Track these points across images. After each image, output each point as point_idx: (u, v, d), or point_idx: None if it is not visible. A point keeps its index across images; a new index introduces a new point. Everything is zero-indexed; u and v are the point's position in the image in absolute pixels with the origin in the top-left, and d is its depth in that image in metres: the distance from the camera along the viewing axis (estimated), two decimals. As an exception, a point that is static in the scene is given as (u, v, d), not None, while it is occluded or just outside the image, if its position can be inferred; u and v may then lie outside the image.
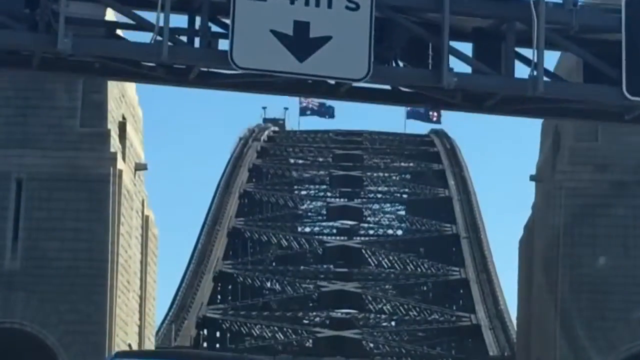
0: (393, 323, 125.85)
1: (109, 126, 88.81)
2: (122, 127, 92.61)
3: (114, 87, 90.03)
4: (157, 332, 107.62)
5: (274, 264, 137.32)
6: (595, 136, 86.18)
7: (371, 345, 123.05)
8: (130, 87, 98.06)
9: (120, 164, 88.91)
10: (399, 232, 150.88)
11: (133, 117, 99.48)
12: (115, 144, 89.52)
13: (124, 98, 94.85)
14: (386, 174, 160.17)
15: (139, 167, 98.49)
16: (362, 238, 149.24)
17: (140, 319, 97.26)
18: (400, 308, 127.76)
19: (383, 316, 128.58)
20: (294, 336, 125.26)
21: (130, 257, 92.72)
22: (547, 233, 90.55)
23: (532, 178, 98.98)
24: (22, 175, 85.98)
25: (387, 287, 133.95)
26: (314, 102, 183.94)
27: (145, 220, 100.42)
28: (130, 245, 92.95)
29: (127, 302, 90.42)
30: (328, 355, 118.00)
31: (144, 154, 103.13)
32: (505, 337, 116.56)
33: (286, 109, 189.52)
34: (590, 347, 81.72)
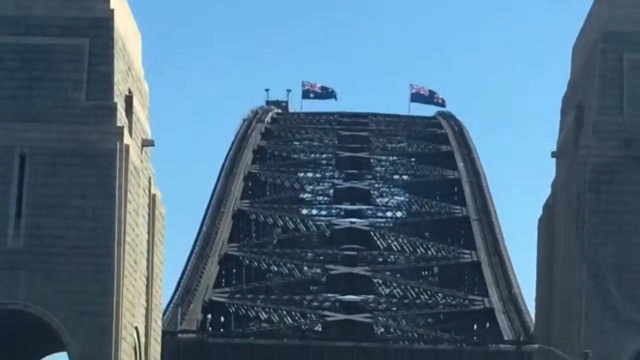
0: (404, 307, 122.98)
1: (116, 99, 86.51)
2: (128, 101, 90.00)
3: (120, 60, 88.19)
4: (163, 315, 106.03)
5: (280, 246, 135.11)
6: (620, 110, 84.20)
7: (382, 329, 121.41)
8: (137, 61, 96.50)
9: (127, 139, 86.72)
10: (408, 215, 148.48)
11: (139, 92, 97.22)
12: (121, 118, 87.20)
13: (130, 71, 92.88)
14: (394, 156, 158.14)
15: (146, 143, 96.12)
16: (371, 220, 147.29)
17: (147, 301, 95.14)
18: (411, 291, 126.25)
19: (394, 300, 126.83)
20: (302, 320, 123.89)
21: (137, 236, 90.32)
22: (570, 210, 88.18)
23: (553, 155, 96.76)
24: (25, 150, 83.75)
25: (397, 270, 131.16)
26: (317, 85, 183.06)
27: (152, 199, 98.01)
28: (137, 224, 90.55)
29: (134, 282, 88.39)
30: (338, 340, 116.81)
31: (150, 131, 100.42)
32: (520, 321, 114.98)
33: (289, 91, 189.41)
34: (613, 332, 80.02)
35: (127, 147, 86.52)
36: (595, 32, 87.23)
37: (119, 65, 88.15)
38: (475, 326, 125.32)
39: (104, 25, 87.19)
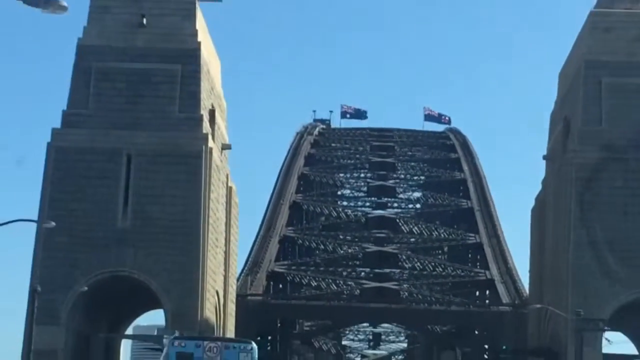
0: (423, 277, 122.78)
1: (202, 112, 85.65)
2: (211, 114, 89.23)
3: (205, 82, 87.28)
4: (236, 282, 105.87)
5: (325, 230, 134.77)
6: (600, 122, 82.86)
7: (406, 294, 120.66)
8: (217, 82, 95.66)
9: (210, 143, 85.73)
10: (425, 206, 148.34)
11: (220, 107, 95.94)
12: (206, 127, 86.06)
13: (213, 91, 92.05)
14: (413, 162, 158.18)
15: (225, 147, 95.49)
16: (396, 210, 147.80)
17: (225, 270, 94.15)
18: (428, 265, 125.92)
19: (415, 272, 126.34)
20: (344, 286, 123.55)
21: (217, 219, 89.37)
22: (559, 202, 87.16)
23: (544, 157, 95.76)
24: (131, 152, 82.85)
25: (417, 249, 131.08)
26: (352, 107, 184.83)
27: (229, 191, 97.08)
28: (218, 209, 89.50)
29: (215, 255, 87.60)
30: (373, 302, 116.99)
31: (227, 137, 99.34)
32: (515, 289, 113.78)
33: (331, 112, 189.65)
34: (596, 295, 78.47)
35: (211, 149, 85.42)
36: (579, 60, 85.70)
37: (204, 85, 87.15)
38: (477, 293, 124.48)
39: (193, 55, 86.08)
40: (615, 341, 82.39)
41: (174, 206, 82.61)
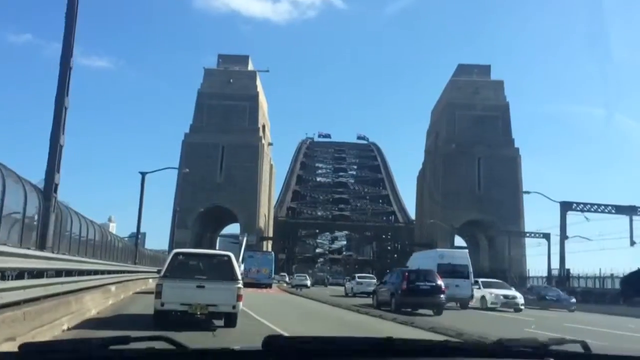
0: (361, 210, 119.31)
1: (259, 126, 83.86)
2: (263, 128, 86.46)
3: (260, 111, 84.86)
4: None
5: (313, 189, 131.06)
6: (454, 133, 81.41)
7: (353, 218, 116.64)
8: (266, 112, 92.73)
9: (262, 141, 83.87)
10: (360, 180, 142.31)
11: (267, 125, 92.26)
12: (260, 133, 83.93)
13: (264, 116, 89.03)
14: (350, 158, 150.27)
15: (270, 144, 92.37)
16: (350, 184, 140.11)
17: (268, 205, 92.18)
18: (370, 206, 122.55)
19: (357, 207, 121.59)
20: (324, 213, 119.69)
21: (266, 179, 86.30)
22: (433, 172, 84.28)
23: (425, 152, 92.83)
24: (224, 145, 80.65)
25: (364, 206, 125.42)
26: (324, 132, 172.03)
27: (271, 167, 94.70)
28: (265, 175, 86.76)
29: (264, 196, 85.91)
30: (337, 221, 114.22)
31: (270, 139, 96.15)
32: (406, 216, 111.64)
33: (315, 134, 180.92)
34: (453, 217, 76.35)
35: (263, 144, 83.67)
36: (444, 103, 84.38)
37: (260, 113, 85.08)
38: (389, 218, 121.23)
39: (255, 98, 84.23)
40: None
41: (245, 173, 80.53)
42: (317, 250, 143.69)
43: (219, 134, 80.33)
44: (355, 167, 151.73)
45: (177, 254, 11.99)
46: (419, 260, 26.82)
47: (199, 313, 10.90)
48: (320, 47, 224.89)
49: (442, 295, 19.91)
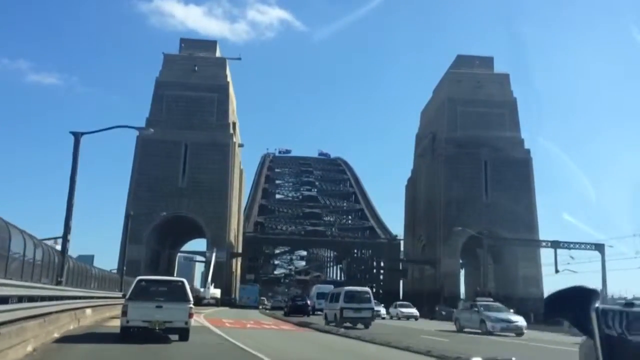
0: (343, 230, 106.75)
1: (229, 122, 70.82)
2: (234, 125, 73.25)
3: (230, 105, 71.91)
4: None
5: (282, 202, 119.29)
6: (455, 131, 70.84)
7: (328, 233, 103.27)
8: (234, 109, 79.92)
9: (235, 139, 71.42)
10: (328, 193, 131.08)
11: (236, 123, 79.14)
12: (231, 130, 71.12)
13: (233, 113, 76.13)
14: (319, 171, 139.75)
15: (240, 145, 78.42)
16: (319, 196, 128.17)
17: (237, 215, 78.68)
18: (344, 221, 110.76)
19: (338, 228, 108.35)
20: (294, 228, 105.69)
21: (236, 185, 73.59)
22: (430, 178, 73.86)
23: (419, 155, 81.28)
24: (187, 143, 67.62)
25: (338, 221, 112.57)
26: (284, 148, 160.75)
27: (241, 172, 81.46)
28: (235, 179, 73.72)
29: (234, 203, 72.66)
30: (313, 237, 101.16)
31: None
32: (387, 232, 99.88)
33: (275, 150, 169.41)
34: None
35: (234, 143, 71.14)
36: (441, 99, 74.17)
37: (230, 107, 72.50)
38: (368, 233, 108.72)
39: (225, 88, 71.71)
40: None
41: (213, 175, 67.76)
42: (282, 271, 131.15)
43: (181, 129, 67.69)
44: (323, 181, 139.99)
45: (140, 280, 14.06)
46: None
47: (157, 328, 12.84)
48: (279, 66, 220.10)
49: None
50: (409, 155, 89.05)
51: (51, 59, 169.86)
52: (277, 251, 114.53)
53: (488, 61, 73.94)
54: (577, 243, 46.11)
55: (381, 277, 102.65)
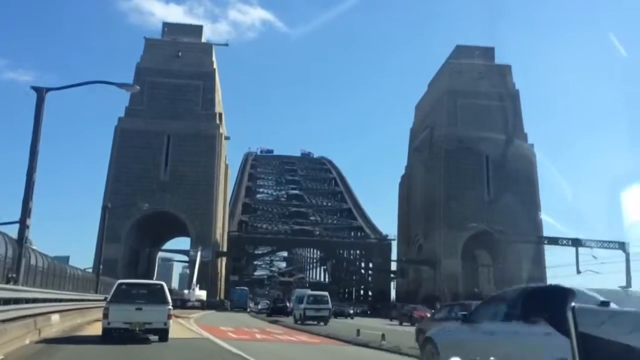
0: (332, 229, 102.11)
1: (215, 111, 66.26)
2: (220, 116, 68.40)
3: (217, 93, 67.57)
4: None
5: (267, 202, 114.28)
6: (456, 125, 66.99)
7: (316, 233, 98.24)
8: (219, 102, 74.78)
9: (221, 130, 66.69)
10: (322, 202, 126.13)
11: (222, 115, 73.79)
12: (217, 120, 66.41)
13: (219, 103, 71.44)
14: (302, 171, 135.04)
15: (227, 138, 72.80)
16: (304, 196, 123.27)
17: (223, 212, 73.74)
18: (331, 221, 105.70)
19: (326, 227, 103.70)
20: (283, 227, 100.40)
21: (221, 180, 68.71)
22: (428, 174, 69.69)
23: (415, 149, 76.08)
24: (170, 133, 62.76)
25: (325, 220, 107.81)
26: (266, 148, 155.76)
27: (226, 167, 75.44)
28: (221, 173, 68.97)
29: (219, 199, 67.76)
30: (298, 236, 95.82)
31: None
32: (375, 231, 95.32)
33: (257, 149, 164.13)
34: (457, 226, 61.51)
35: (222, 134, 66.54)
36: (440, 90, 70.27)
37: (217, 96, 68.06)
38: (356, 232, 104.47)
39: (211, 76, 67.07)
40: None
41: (198, 168, 63.15)
42: (262, 273, 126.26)
43: (163, 119, 63.06)
44: (308, 180, 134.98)
45: (121, 284, 14.43)
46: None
47: (137, 329, 13.14)
48: (260, 66, 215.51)
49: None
50: (395, 154, 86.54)
51: (28, 56, 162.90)
52: (259, 251, 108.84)
53: (489, 52, 70.43)
54: (600, 241, 42.59)
55: (369, 278, 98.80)
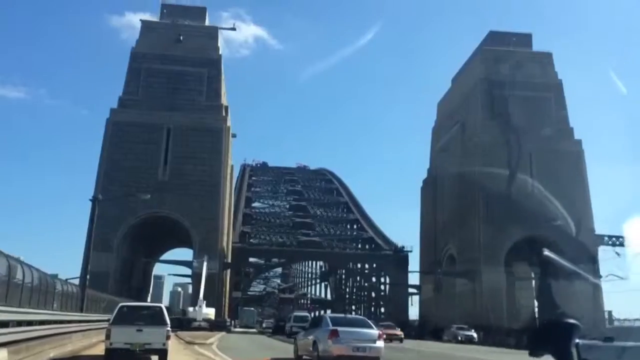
0: (340, 240, 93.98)
1: (222, 102, 58.29)
2: (226, 109, 60.20)
3: (222, 83, 59.71)
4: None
5: (268, 214, 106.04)
6: (493, 118, 59.14)
7: (325, 244, 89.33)
8: (224, 94, 67.06)
9: (228, 123, 58.66)
10: (325, 212, 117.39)
11: (228, 108, 65.26)
12: (224, 113, 58.52)
13: (225, 96, 63.48)
14: (303, 182, 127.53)
15: (233, 135, 64.09)
16: (308, 208, 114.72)
17: (227, 218, 65.23)
18: (339, 232, 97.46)
19: (334, 238, 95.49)
20: (285, 240, 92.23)
21: (227, 180, 60.69)
22: (453, 178, 62.49)
23: (440, 149, 69.46)
24: (170, 127, 54.90)
25: (334, 231, 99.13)
26: (261, 160, 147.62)
27: (231, 168, 68.22)
28: (228, 172, 60.84)
29: (227, 206, 59.64)
30: (305, 247, 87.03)
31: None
32: (388, 242, 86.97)
33: (254, 161, 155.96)
34: (501, 232, 54.51)
35: (228, 127, 58.53)
36: (472, 81, 62.68)
37: (222, 87, 60.21)
38: (366, 244, 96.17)
39: (217, 63, 59.23)
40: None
41: (202, 166, 55.34)
42: (258, 289, 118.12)
43: (162, 111, 55.36)
44: (310, 190, 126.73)
45: (122, 307, 15.10)
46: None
47: (138, 349, 13.89)
48: (253, 82, 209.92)
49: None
50: (396, 158, 78.58)
51: (15, 71, 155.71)
52: (263, 264, 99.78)
53: (526, 38, 63.32)
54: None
55: (382, 293, 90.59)
